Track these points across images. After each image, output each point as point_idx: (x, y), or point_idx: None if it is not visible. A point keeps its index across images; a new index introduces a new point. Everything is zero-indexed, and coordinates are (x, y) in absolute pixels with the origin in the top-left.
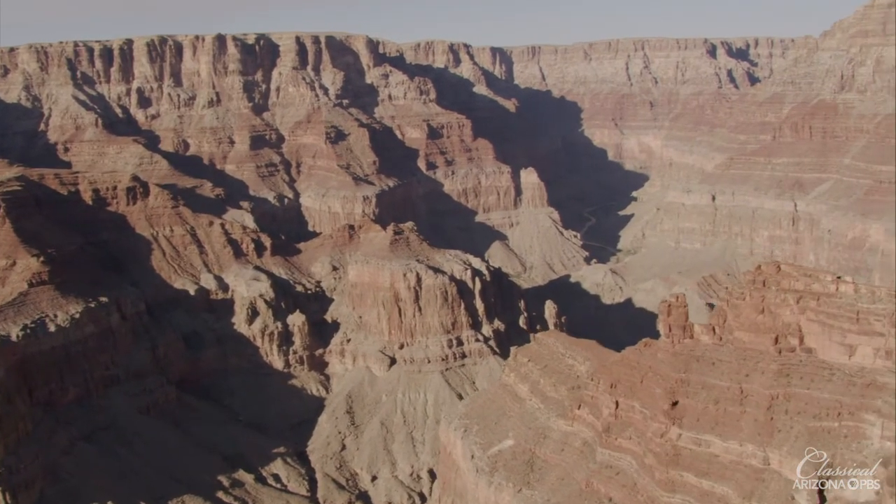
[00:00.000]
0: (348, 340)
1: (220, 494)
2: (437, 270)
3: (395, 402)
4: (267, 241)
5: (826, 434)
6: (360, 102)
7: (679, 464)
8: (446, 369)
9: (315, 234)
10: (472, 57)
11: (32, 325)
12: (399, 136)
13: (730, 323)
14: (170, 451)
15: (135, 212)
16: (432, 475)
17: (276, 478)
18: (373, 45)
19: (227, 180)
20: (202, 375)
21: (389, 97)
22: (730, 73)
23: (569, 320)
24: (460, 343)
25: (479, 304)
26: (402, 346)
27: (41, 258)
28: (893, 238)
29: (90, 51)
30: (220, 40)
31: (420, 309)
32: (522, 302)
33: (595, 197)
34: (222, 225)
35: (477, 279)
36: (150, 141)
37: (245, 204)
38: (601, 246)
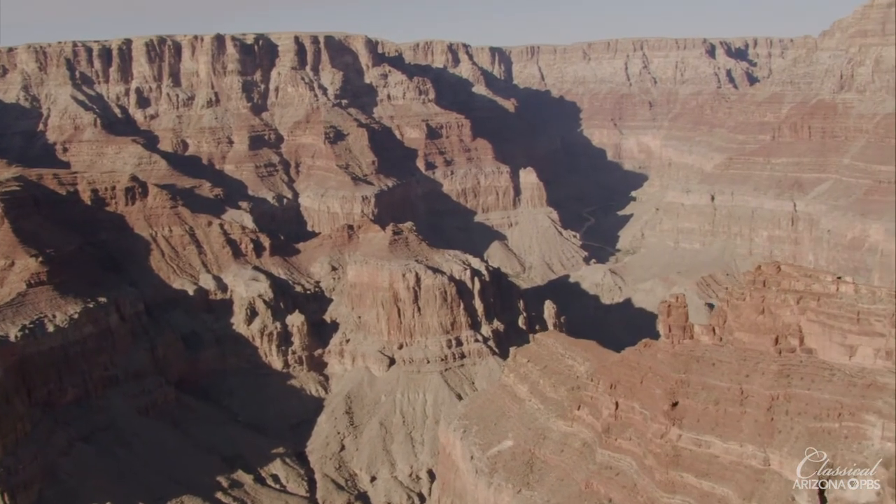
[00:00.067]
0: (347, 341)
1: (219, 495)
2: (436, 270)
3: (395, 403)
4: (266, 241)
5: (826, 435)
6: (359, 102)
7: (679, 465)
8: (445, 370)
9: (314, 235)
10: (470, 57)
11: (31, 326)
12: (398, 136)
13: (730, 323)
14: (169, 452)
15: (133, 212)
16: (431, 476)
17: (276, 478)
18: (372, 45)
19: (225, 180)
20: (201, 376)
21: (388, 97)
22: (729, 72)
23: (568, 320)
24: (459, 343)
25: (479, 305)
26: (401, 347)
27: (40, 258)
28: (893, 238)
29: (89, 51)
30: (219, 40)
31: (419, 309)
32: (521, 302)
33: (594, 197)
34: (221, 225)
35: (476, 279)
36: (149, 141)
37: (244, 204)
38: (600, 246)
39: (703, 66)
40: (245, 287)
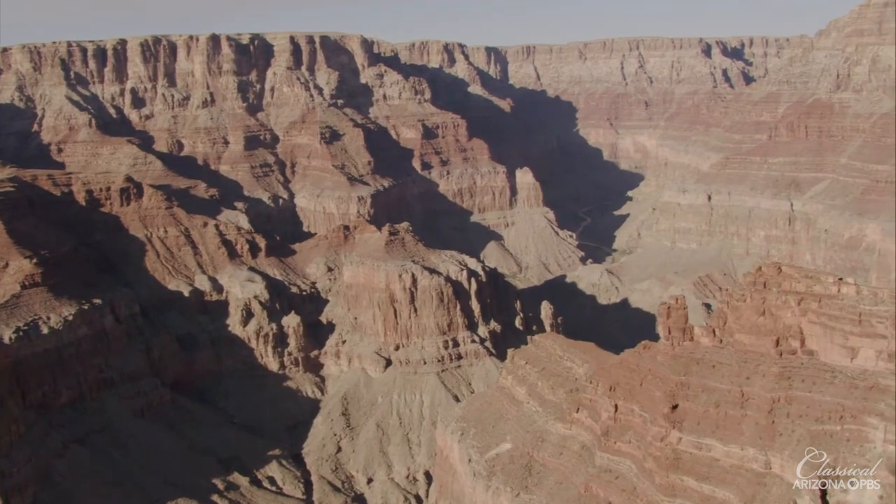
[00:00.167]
0: (343, 342)
1: (215, 497)
2: (432, 271)
3: (391, 404)
4: (261, 241)
5: (828, 437)
6: (355, 102)
7: (679, 468)
8: (442, 371)
9: (310, 235)
10: (466, 57)
11: (25, 328)
12: (394, 137)
13: (730, 325)
14: (164, 454)
15: (128, 213)
16: (428, 477)
17: (272, 480)
18: (367, 44)
19: (221, 181)
20: (197, 377)
21: (384, 97)
22: (725, 72)
23: (565, 321)
24: (456, 344)
25: (475, 305)
26: (397, 348)
27: (34, 260)
28: (889, 237)
29: (84, 51)
30: (215, 40)
31: (415, 310)
32: (518, 302)
33: (590, 197)
34: (217, 226)
35: (472, 280)
36: (144, 141)
37: (239, 204)
38: (597, 246)
39: (699, 66)
40: (241, 288)
